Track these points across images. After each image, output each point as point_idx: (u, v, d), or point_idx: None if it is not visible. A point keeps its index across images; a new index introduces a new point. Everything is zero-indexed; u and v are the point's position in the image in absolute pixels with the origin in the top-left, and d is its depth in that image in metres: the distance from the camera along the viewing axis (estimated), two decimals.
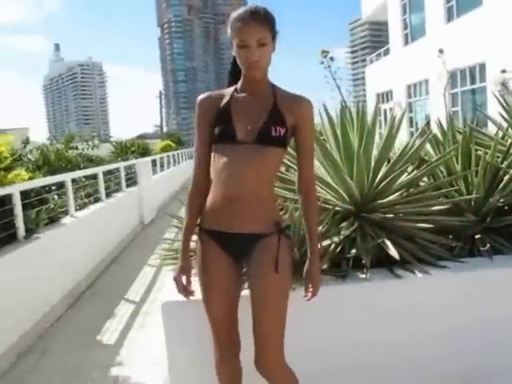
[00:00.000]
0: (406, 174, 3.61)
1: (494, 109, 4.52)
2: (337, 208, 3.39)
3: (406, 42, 24.18)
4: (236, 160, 2.39)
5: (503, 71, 11.94)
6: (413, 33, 23.49)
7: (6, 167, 5.48)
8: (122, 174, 10.83)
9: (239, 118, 2.43)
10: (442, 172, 3.74)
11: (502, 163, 3.68)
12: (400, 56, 24.58)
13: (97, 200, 8.88)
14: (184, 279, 2.59)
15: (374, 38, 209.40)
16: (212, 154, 2.50)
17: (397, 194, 3.46)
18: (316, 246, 2.55)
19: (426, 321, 3.08)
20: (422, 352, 3.08)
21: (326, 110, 3.63)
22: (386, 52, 28.18)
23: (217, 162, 2.46)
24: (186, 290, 2.60)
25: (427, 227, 3.28)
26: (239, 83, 2.52)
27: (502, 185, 3.59)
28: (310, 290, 2.54)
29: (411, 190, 3.52)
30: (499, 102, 4.05)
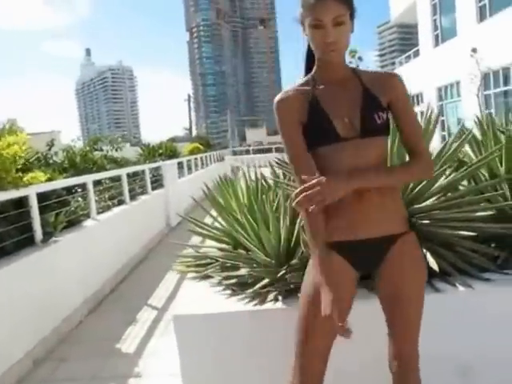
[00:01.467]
0: (444, 176, 3.28)
1: None
2: None
3: (437, 44, 23.36)
4: (348, 161, 2.01)
5: None
6: (443, 34, 22.67)
7: (23, 168, 5.32)
8: (148, 176, 10.65)
9: (332, 111, 2.05)
10: (483, 175, 3.39)
11: None
12: (430, 58, 23.79)
13: (121, 202, 8.71)
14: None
15: (403, 41, 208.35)
16: (315, 159, 2.09)
17: (434, 198, 3.13)
18: (372, 172, 2.00)
19: (468, 339, 2.74)
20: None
21: None
22: (416, 54, 27.38)
23: (324, 167, 2.05)
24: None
25: (468, 235, 2.92)
26: (314, 71, 2.15)
27: None
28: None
29: (449, 194, 3.20)
30: None
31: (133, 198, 9.49)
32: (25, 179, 4.93)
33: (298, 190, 1.83)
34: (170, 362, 4.07)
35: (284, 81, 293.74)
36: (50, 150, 10.40)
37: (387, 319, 2.19)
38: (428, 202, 3.10)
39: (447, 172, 3.32)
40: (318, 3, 1.95)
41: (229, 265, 3.18)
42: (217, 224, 3.71)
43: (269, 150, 39.52)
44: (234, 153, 41.13)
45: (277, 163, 3.66)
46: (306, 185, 1.82)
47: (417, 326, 2.16)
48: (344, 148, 2.01)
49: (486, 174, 3.37)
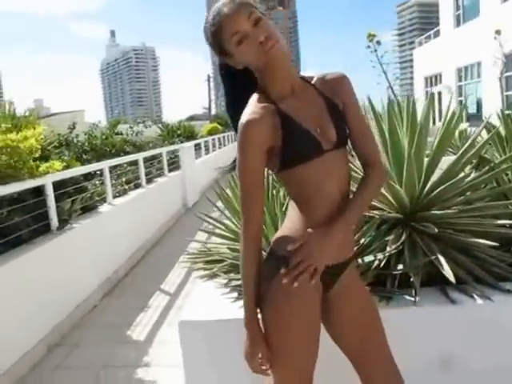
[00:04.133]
0: (463, 174, 2.96)
1: None
2: (383, 217, 2.82)
3: (458, 24, 22.03)
4: (330, 173, 1.81)
5: None
6: (465, 13, 21.35)
7: (41, 156, 5.24)
8: (165, 159, 10.52)
9: (306, 123, 1.77)
10: (507, 174, 3.05)
11: None
12: (451, 38, 22.49)
13: (137, 186, 8.59)
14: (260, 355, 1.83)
15: (423, 20, 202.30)
16: (291, 178, 1.83)
17: (453, 200, 2.84)
18: (352, 211, 1.80)
19: (485, 355, 2.47)
20: None
21: (370, 102, 3.01)
22: (437, 34, 25.95)
23: (306, 183, 1.80)
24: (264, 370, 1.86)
25: (487, 243, 2.60)
26: (261, 90, 1.83)
27: None
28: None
29: (468, 193, 2.89)
30: None
31: (150, 181, 9.38)
32: (41, 169, 4.81)
33: (288, 271, 1.67)
34: (179, 352, 3.99)
35: (303, 63, 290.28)
36: (71, 132, 10.37)
37: (357, 356, 1.98)
38: (446, 205, 2.83)
39: (467, 170, 3.05)
40: (223, 20, 1.73)
41: (236, 264, 3.01)
42: (225, 220, 3.51)
43: None
44: None
45: None
46: (294, 264, 1.67)
47: (390, 354, 1.97)
48: (324, 161, 1.77)
49: (510, 174, 3.08)
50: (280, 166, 1.79)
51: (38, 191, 5.03)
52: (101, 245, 6.00)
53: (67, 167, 6.07)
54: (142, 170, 8.69)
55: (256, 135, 1.74)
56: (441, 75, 24.85)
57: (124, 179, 8.37)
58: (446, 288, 2.53)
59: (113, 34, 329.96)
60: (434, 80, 26.28)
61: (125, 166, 8.80)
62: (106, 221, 6.37)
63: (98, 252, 5.90)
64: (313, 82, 1.89)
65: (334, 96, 1.85)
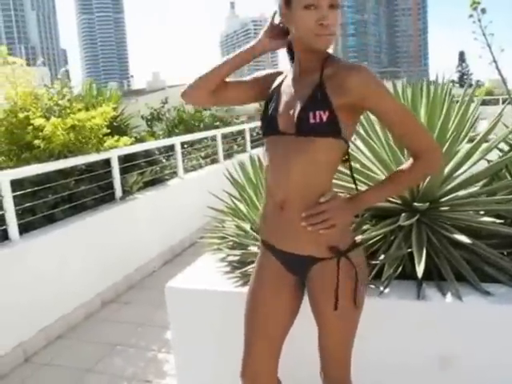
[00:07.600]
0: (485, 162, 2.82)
1: None
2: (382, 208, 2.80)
3: None
4: (278, 157, 1.86)
5: None
6: None
7: (119, 133, 5.89)
8: (247, 136, 10.88)
9: (283, 102, 1.89)
10: None
11: None
12: None
13: (215, 161, 9.05)
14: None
15: None
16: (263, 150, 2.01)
17: (462, 192, 2.77)
18: (389, 186, 1.95)
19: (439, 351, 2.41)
20: None
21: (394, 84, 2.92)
22: None
23: (265, 160, 1.96)
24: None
25: (463, 239, 2.48)
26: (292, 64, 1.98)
27: None
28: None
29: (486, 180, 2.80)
30: None
31: (229, 156, 9.77)
32: (106, 144, 5.37)
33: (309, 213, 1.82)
34: None
35: (430, 29, 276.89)
36: (163, 107, 11.06)
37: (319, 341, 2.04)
38: (451, 199, 2.77)
39: (492, 157, 2.86)
40: None
41: (239, 242, 3.15)
42: (234, 202, 3.62)
43: None
44: None
45: None
46: (314, 210, 1.82)
47: (339, 358, 2.00)
48: (280, 142, 1.85)
49: None
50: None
51: (109, 164, 5.63)
52: (166, 215, 6.52)
53: (140, 141, 6.66)
54: (220, 146, 9.11)
55: (264, 73, 2.13)
56: None
57: (203, 154, 8.88)
58: (423, 282, 2.46)
59: (232, 5, 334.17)
60: None
61: (205, 141, 9.32)
62: (173, 194, 6.89)
63: (163, 222, 6.42)
64: (328, 66, 1.82)
65: (334, 88, 1.76)
